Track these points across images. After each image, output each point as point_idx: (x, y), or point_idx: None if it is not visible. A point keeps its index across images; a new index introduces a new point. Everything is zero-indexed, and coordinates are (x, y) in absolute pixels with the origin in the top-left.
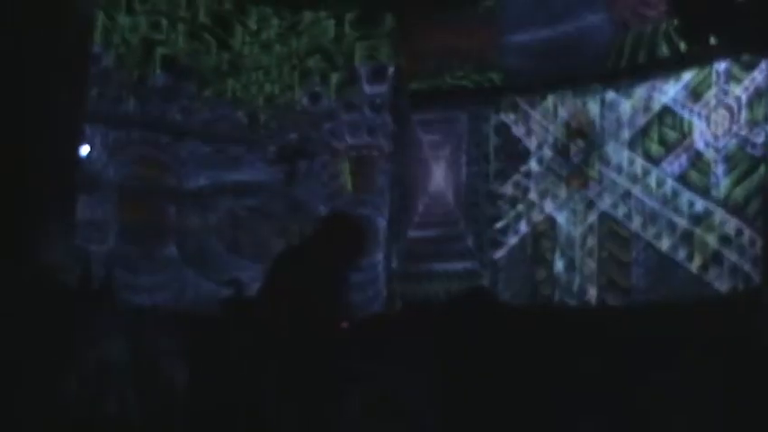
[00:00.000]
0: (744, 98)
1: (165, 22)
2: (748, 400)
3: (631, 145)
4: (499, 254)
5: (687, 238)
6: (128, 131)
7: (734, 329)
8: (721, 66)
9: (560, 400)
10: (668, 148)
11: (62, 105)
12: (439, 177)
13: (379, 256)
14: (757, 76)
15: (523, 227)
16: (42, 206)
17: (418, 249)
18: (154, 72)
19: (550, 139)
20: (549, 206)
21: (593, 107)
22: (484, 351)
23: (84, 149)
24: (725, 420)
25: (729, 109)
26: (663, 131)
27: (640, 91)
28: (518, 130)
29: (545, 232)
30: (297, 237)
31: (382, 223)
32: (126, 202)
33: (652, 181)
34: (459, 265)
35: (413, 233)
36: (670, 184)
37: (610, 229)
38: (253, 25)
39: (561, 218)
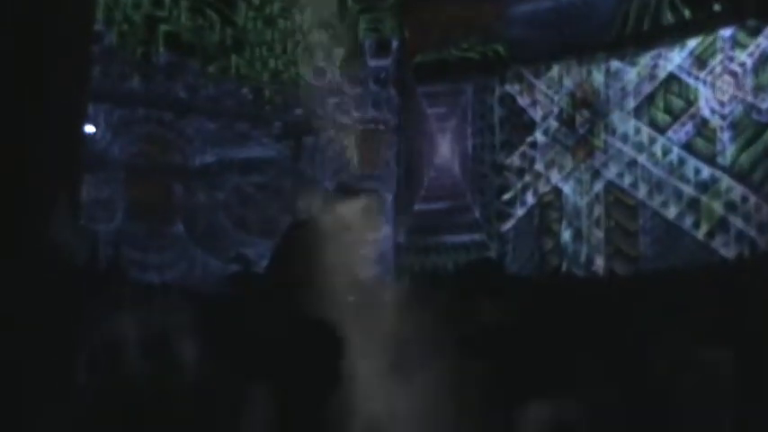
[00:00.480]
0: (749, 64)
1: None
2: (757, 364)
3: (637, 114)
4: (507, 226)
5: (694, 205)
6: (132, 109)
7: (740, 295)
8: (726, 32)
9: (570, 370)
10: (674, 116)
11: (65, 84)
12: (445, 150)
13: (387, 230)
14: (762, 41)
15: (530, 198)
16: (47, 186)
17: (426, 222)
18: (157, 49)
19: (556, 110)
20: (555, 177)
21: (598, 76)
22: (492, 323)
23: (89, 128)
24: (735, 386)
25: (735, 75)
26: (668, 99)
27: (645, 59)
28: (523, 101)
29: (551, 203)
30: (304, 212)
31: (389, 197)
32: (132, 180)
33: (658, 149)
34: (466, 237)
35: (420, 206)
36: (676, 152)
37: (616, 199)
38: (256, 1)
39: (567, 188)
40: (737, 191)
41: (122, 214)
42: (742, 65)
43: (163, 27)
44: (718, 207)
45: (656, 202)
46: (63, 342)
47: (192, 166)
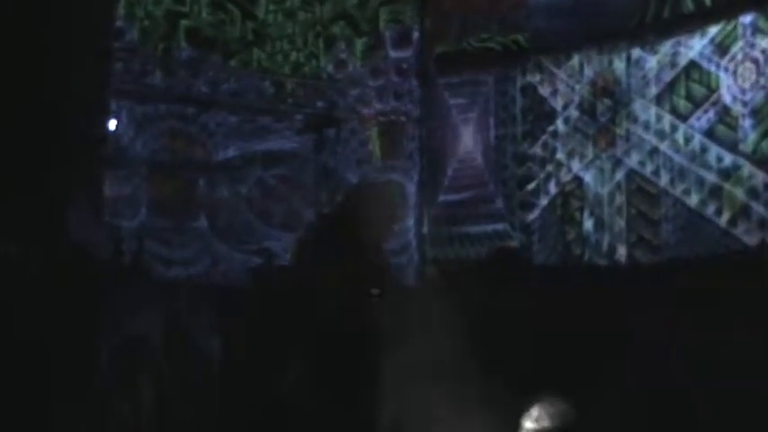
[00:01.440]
0: None
1: None
2: None
3: (658, 101)
4: (531, 216)
5: (716, 192)
6: (154, 105)
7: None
8: (747, 19)
9: (592, 360)
10: (696, 103)
11: (87, 81)
12: (467, 140)
13: (410, 222)
14: None
15: (552, 188)
16: (71, 183)
17: (449, 213)
18: (179, 45)
19: (576, 99)
20: (576, 166)
21: (619, 65)
22: (515, 311)
23: (112, 125)
24: (759, 373)
25: (756, 62)
26: (690, 87)
27: (666, 47)
28: (544, 91)
29: (573, 192)
30: (327, 205)
31: (412, 188)
32: (155, 175)
33: (680, 137)
34: (490, 228)
35: (443, 197)
36: (698, 139)
37: (638, 187)
38: None
39: (589, 177)
40: (759, 177)
41: (146, 210)
42: (763, 51)
43: (184, 22)
44: (740, 194)
45: (678, 189)
46: (89, 336)
47: (215, 161)
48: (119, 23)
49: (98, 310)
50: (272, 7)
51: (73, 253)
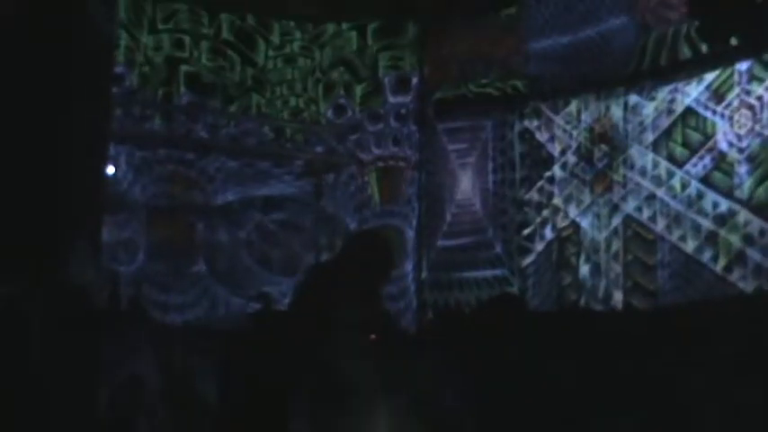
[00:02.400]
0: (766, 97)
1: (188, 39)
2: None
3: (655, 148)
4: (527, 260)
5: (712, 238)
6: (154, 150)
7: (760, 329)
8: (743, 66)
9: (592, 405)
10: (692, 149)
11: (86, 126)
12: (466, 185)
13: (409, 267)
14: None
15: (549, 233)
16: (69, 227)
17: (448, 258)
18: (178, 90)
19: (574, 145)
20: (573, 211)
21: (617, 111)
22: (514, 357)
23: (111, 169)
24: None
25: (752, 108)
26: (686, 133)
27: (663, 93)
28: (542, 136)
29: (570, 237)
30: (326, 249)
31: (411, 233)
32: (154, 220)
33: (676, 183)
34: (488, 273)
35: (442, 242)
36: (694, 185)
37: (635, 233)
38: (276, 40)
39: (585, 222)
40: (755, 224)
41: (144, 254)
42: (759, 98)
43: (184, 68)
44: (735, 240)
45: (674, 235)
46: (86, 382)
47: (214, 205)
48: (119, 69)
49: (96, 355)
50: (271, 53)
51: (71, 297)
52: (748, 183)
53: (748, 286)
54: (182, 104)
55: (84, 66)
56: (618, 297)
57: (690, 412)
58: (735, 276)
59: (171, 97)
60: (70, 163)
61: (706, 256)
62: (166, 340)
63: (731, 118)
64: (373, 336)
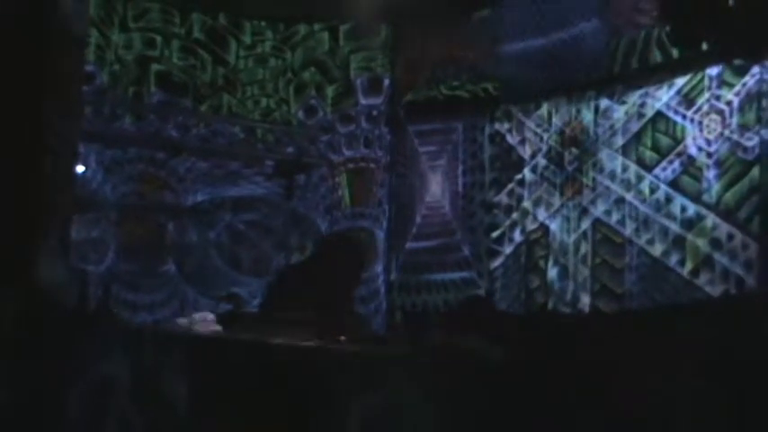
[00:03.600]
0: (735, 103)
1: (159, 38)
2: (745, 403)
3: (625, 152)
4: (495, 263)
5: (679, 242)
6: (124, 149)
7: (727, 333)
8: (713, 71)
9: (557, 405)
10: (661, 153)
11: (56, 125)
12: (436, 188)
13: (379, 269)
14: (749, 80)
15: (518, 236)
16: (38, 227)
17: (416, 260)
18: (149, 89)
19: (545, 148)
20: (542, 214)
21: (587, 114)
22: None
23: (80, 168)
24: (721, 424)
25: (721, 114)
26: (656, 137)
27: (634, 97)
28: (513, 139)
29: (539, 240)
30: (297, 251)
31: (381, 235)
32: (124, 219)
33: (645, 187)
34: (456, 275)
35: (411, 244)
36: (663, 189)
37: (603, 236)
38: (247, 40)
39: (555, 225)
40: (723, 228)
41: (114, 254)
42: (728, 103)
43: (155, 67)
44: (703, 245)
45: (642, 239)
46: (54, 382)
47: (184, 205)
48: (89, 67)
49: (65, 356)
50: (243, 53)
51: (40, 298)
52: (716, 187)
53: (715, 290)
54: (152, 104)
55: (55, 64)
56: (585, 300)
57: (656, 414)
58: (702, 280)
59: (141, 96)
60: (40, 162)
61: (673, 259)
62: (136, 340)
63: (701, 123)
64: (343, 337)
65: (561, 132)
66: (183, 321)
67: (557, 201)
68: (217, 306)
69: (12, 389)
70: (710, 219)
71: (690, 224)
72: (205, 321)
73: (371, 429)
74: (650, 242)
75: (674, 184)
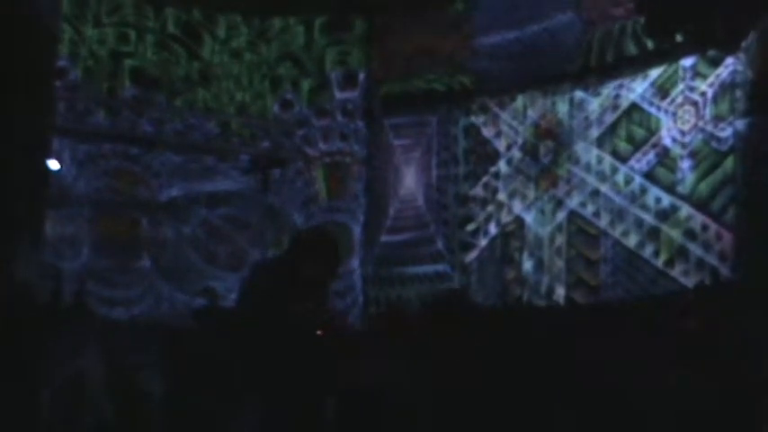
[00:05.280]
0: (709, 94)
1: (133, 33)
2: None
3: (600, 143)
4: (470, 256)
5: (654, 234)
6: (98, 144)
7: (701, 323)
8: (687, 62)
9: (535, 399)
10: (636, 145)
11: (28, 120)
12: (410, 181)
13: (356, 263)
14: (722, 71)
15: (493, 228)
16: (11, 223)
17: (390, 254)
18: (123, 84)
19: (520, 140)
20: (517, 207)
21: (562, 107)
22: (460, 353)
23: (54, 164)
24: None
25: (695, 105)
26: (631, 129)
27: (608, 89)
28: (488, 132)
29: (514, 232)
30: (273, 245)
31: (357, 229)
32: (98, 215)
33: (620, 178)
34: (430, 269)
35: (385, 238)
36: (638, 180)
37: (578, 228)
38: (222, 34)
39: (530, 218)
40: (697, 219)
41: (88, 250)
42: (702, 94)
43: (128, 62)
44: (677, 235)
45: (617, 231)
46: (28, 380)
47: (159, 200)
48: (62, 62)
49: (39, 351)
50: (217, 48)
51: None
52: (690, 178)
53: (690, 281)
54: (126, 99)
55: (27, 59)
56: (560, 292)
57: (631, 405)
58: (676, 271)
59: (115, 91)
60: (12, 158)
61: (648, 251)
62: (111, 336)
63: (675, 114)
64: (319, 332)
65: (536, 125)
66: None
67: (532, 193)
68: (192, 301)
69: None
70: (685, 209)
71: (664, 215)
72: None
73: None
74: (625, 234)
75: (648, 175)
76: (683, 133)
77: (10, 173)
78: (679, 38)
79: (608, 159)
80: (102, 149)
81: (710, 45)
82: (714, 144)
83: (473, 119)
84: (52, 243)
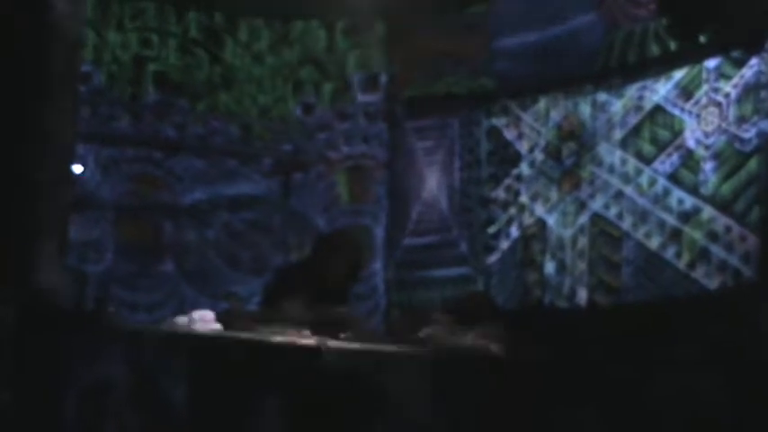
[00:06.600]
0: (733, 95)
1: (155, 38)
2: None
3: (623, 145)
4: (492, 258)
5: (676, 235)
6: (121, 149)
7: (724, 326)
8: (711, 63)
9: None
10: (660, 147)
11: (53, 125)
12: (432, 184)
13: (378, 266)
14: (746, 72)
15: (515, 231)
16: (36, 228)
17: (413, 257)
18: (146, 89)
19: (542, 142)
20: (539, 209)
21: (585, 108)
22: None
23: (78, 169)
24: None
25: (719, 106)
26: (654, 131)
27: (631, 91)
28: (510, 134)
29: (535, 235)
30: (295, 249)
31: (380, 232)
32: (122, 220)
33: (644, 180)
34: (453, 271)
35: (408, 241)
36: (661, 182)
37: (601, 230)
38: (243, 37)
39: (552, 220)
40: (720, 221)
41: (112, 254)
42: (726, 95)
43: (151, 66)
44: (699, 237)
45: (640, 232)
46: (52, 386)
47: (182, 205)
48: (86, 67)
49: (62, 357)
50: (239, 51)
51: (38, 299)
52: (713, 179)
53: (712, 283)
54: (149, 103)
55: (51, 64)
56: (582, 294)
57: (652, 410)
58: (698, 273)
59: (139, 96)
60: (36, 163)
61: (669, 252)
62: (135, 341)
63: (699, 115)
64: (342, 335)
65: (559, 127)
66: (182, 320)
67: (554, 195)
68: (216, 305)
69: (10, 392)
70: (707, 211)
71: (686, 217)
72: (204, 320)
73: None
74: (647, 235)
75: (672, 177)
76: (706, 135)
77: (35, 178)
78: (702, 39)
79: (632, 161)
80: (126, 154)
81: (734, 46)
82: (737, 145)
83: (495, 121)
84: (76, 247)
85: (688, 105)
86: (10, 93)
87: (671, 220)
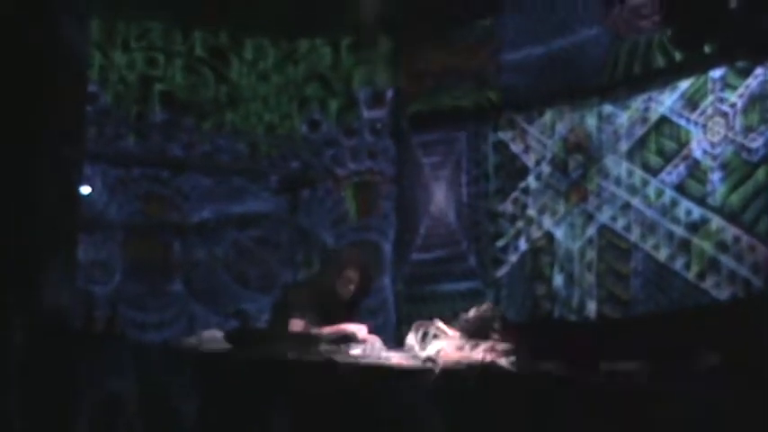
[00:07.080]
0: (739, 105)
1: (161, 57)
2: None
3: (630, 157)
4: (501, 272)
5: (684, 246)
6: (129, 169)
7: (735, 336)
8: (716, 73)
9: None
10: (666, 158)
11: (60, 146)
12: (440, 198)
13: (387, 281)
14: (752, 82)
15: (523, 244)
16: (44, 249)
17: (422, 271)
18: (152, 108)
19: (548, 155)
20: (547, 222)
21: (591, 121)
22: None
23: (85, 189)
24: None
25: (725, 116)
26: (660, 142)
27: (637, 102)
28: (516, 147)
29: (544, 248)
30: (303, 266)
31: (388, 247)
32: (130, 239)
33: (651, 192)
34: (462, 285)
35: (416, 255)
36: (668, 193)
37: (609, 242)
38: (249, 56)
39: (560, 233)
40: (729, 231)
41: (120, 274)
42: (732, 105)
43: (158, 86)
44: (708, 248)
45: (648, 244)
46: (62, 406)
47: (190, 223)
48: (92, 88)
49: (72, 378)
50: (245, 70)
51: (47, 320)
52: (721, 190)
53: (722, 294)
54: (156, 123)
55: (58, 85)
56: (591, 307)
57: (663, 420)
58: (708, 284)
59: (145, 116)
60: (44, 184)
61: (678, 263)
62: (144, 360)
63: (705, 126)
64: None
65: (565, 139)
66: (191, 341)
67: (562, 208)
68: (225, 323)
69: (20, 413)
70: (716, 222)
71: (694, 227)
72: (214, 340)
73: None
74: (656, 247)
75: (679, 188)
76: (713, 145)
77: (42, 199)
78: (707, 49)
79: (638, 173)
80: (133, 173)
81: (739, 56)
82: (745, 155)
83: (501, 134)
84: (84, 268)
85: (694, 116)
86: (17, 113)
87: (679, 231)
